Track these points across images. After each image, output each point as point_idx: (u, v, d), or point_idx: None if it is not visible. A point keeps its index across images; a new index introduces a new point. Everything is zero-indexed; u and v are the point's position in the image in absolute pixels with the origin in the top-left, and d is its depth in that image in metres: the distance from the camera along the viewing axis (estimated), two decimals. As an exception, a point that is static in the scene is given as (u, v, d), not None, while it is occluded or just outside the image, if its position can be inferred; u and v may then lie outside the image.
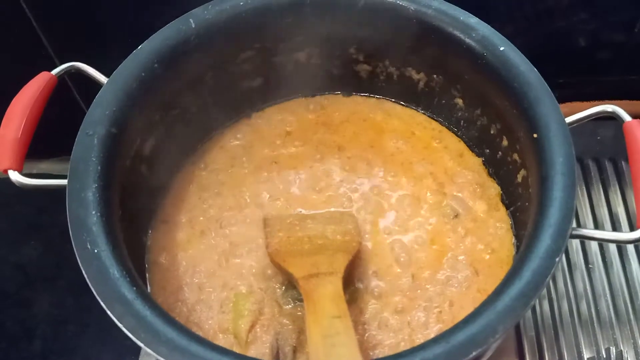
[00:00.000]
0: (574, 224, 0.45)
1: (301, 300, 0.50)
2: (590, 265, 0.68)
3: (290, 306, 0.52)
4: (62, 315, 0.75)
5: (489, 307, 0.41)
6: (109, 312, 0.41)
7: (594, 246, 0.70)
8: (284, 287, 0.53)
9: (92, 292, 0.42)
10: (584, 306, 0.65)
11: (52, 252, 0.80)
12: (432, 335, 0.45)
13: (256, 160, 0.62)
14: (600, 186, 0.74)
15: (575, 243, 0.70)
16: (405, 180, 0.60)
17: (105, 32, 0.69)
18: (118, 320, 0.40)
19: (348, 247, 0.52)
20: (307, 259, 0.51)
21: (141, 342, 0.39)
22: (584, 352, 0.62)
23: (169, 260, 0.55)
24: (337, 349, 0.42)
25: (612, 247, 0.70)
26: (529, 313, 0.65)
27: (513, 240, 0.56)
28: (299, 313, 0.52)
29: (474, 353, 0.39)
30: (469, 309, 0.43)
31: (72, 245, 0.43)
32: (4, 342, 0.74)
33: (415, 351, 0.39)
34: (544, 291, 0.67)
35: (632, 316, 0.64)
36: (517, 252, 0.54)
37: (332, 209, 0.58)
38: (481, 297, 0.43)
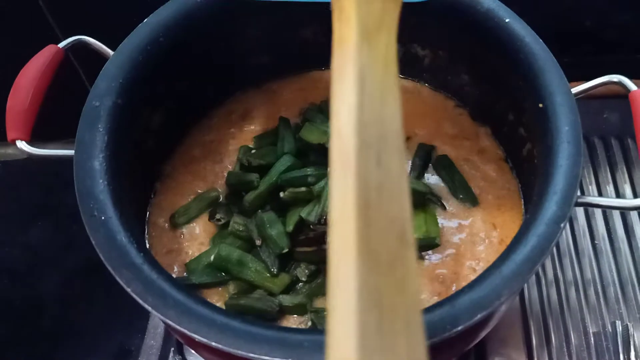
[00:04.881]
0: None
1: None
2: (596, 242, 0.69)
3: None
4: (70, 295, 0.75)
5: (495, 271, 0.41)
6: (117, 278, 0.41)
7: (600, 227, 0.70)
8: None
9: (100, 272, 0.42)
10: (590, 284, 0.66)
11: (60, 233, 0.80)
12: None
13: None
14: (607, 164, 0.74)
15: (582, 223, 0.70)
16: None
17: (109, 7, 0.69)
18: (126, 286, 0.40)
19: None
20: None
21: (149, 306, 0.40)
22: (590, 327, 0.63)
23: (167, 222, 0.56)
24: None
25: (619, 226, 0.70)
26: (534, 290, 0.65)
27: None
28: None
29: (479, 316, 0.39)
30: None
31: (80, 226, 0.43)
32: (13, 321, 0.74)
33: (421, 314, 0.39)
34: (551, 275, 0.67)
35: (638, 291, 0.65)
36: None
37: None
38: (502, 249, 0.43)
